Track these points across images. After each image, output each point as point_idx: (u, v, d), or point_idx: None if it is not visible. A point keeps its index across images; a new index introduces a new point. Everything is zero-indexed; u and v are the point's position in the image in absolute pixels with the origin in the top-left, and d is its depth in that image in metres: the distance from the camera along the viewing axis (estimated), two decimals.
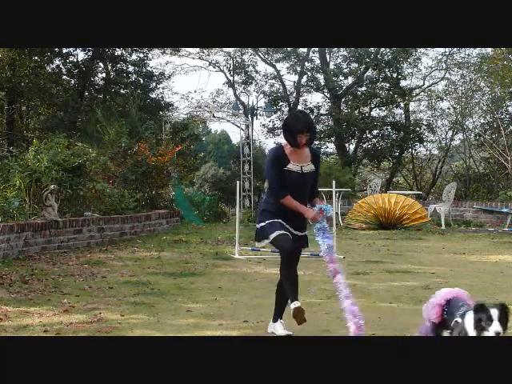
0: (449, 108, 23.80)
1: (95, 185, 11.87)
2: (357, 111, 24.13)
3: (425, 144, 24.27)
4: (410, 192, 18.65)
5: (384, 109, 24.34)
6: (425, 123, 24.01)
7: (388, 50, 23.58)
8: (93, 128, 15.28)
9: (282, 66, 33.16)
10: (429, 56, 24.77)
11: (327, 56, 25.29)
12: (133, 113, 16.50)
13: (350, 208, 15.99)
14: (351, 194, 18.53)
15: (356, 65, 24.39)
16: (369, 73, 24.54)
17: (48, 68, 20.95)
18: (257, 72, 26.16)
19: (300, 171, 4.91)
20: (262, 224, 4.93)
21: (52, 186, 9.81)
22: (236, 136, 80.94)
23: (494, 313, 3.15)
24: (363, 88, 24.46)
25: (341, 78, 24.60)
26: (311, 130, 4.87)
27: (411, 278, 8.09)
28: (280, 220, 4.87)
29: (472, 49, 22.51)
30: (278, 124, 25.58)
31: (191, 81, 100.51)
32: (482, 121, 22.77)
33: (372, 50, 23.47)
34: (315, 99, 72.98)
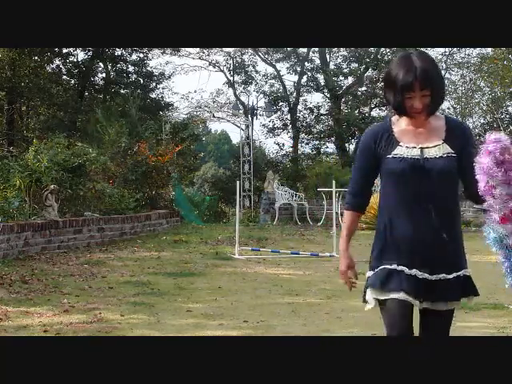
0: (449, 108, 23.82)
1: (95, 185, 11.87)
2: (357, 111, 24.13)
3: None
4: None
5: (384, 109, 24.34)
6: None
7: (388, 50, 23.59)
8: (93, 128, 15.29)
9: (282, 66, 33.07)
10: None
11: (327, 56, 25.30)
12: (133, 113, 16.50)
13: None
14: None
15: (356, 65, 24.40)
16: (369, 73, 24.55)
17: (48, 68, 20.97)
18: (257, 72, 26.17)
19: (419, 157, 2.69)
20: (368, 274, 2.80)
21: (52, 186, 9.81)
22: (236, 136, 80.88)
23: None
24: (363, 88, 24.47)
25: (341, 78, 24.61)
26: (432, 82, 2.63)
27: None
28: (394, 265, 2.69)
29: (472, 49, 22.54)
30: (278, 124, 25.60)
31: (191, 81, 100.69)
32: (482, 121, 22.79)
33: (372, 50, 23.48)
34: (315, 99, 72.94)
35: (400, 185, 2.70)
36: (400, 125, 2.77)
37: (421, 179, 2.66)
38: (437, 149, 2.70)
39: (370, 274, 2.77)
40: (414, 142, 2.71)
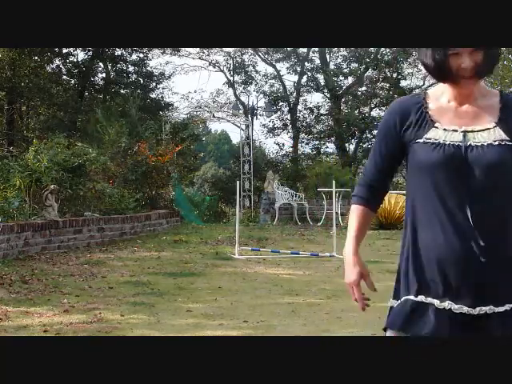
0: None
1: (95, 185, 11.88)
2: (357, 111, 24.16)
3: None
4: None
5: (384, 109, 24.38)
6: None
7: (388, 50, 23.61)
8: (93, 128, 15.31)
9: (282, 66, 33.18)
10: None
11: (327, 56, 25.32)
12: (133, 113, 16.52)
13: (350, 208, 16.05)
14: (351, 194, 18.55)
15: (356, 65, 24.42)
16: (369, 73, 24.57)
17: (48, 68, 21.00)
18: (257, 72, 26.20)
19: (461, 143, 1.96)
20: (391, 303, 2.13)
21: (52, 186, 9.81)
22: (236, 136, 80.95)
23: None
24: (363, 88, 24.50)
25: (341, 78, 24.63)
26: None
27: None
28: (421, 297, 2.00)
29: None
30: (278, 124, 25.61)
31: (191, 81, 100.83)
32: None
33: (372, 50, 23.50)
34: (315, 99, 73.03)
35: (432, 182, 1.95)
36: (439, 100, 2.05)
37: (462, 175, 1.92)
38: (486, 133, 1.96)
39: (392, 303, 2.10)
40: (456, 124, 1.98)
